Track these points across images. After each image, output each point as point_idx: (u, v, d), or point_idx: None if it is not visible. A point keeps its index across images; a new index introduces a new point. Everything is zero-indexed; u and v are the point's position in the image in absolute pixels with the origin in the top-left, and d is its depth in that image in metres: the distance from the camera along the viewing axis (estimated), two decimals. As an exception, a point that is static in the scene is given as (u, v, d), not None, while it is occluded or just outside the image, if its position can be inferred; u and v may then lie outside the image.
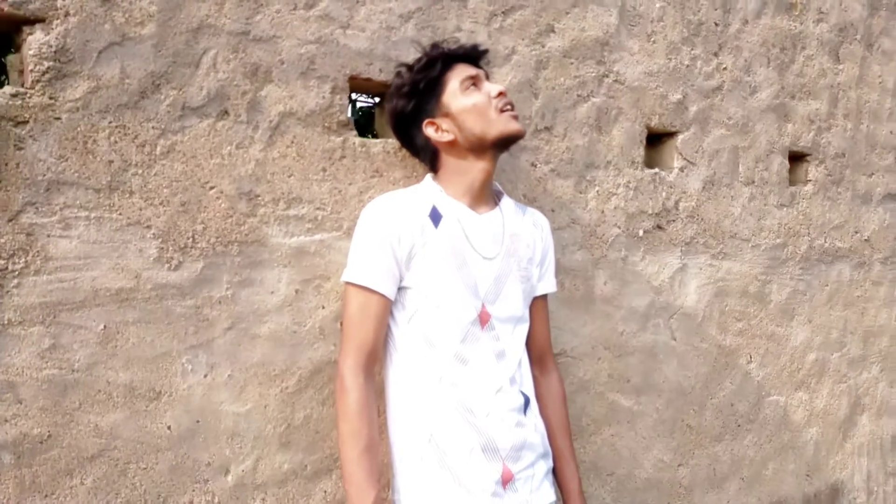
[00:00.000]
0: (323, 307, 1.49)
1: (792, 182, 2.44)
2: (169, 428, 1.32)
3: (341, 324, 1.44)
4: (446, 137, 1.43)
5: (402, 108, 1.45)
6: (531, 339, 1.58)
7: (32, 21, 1.18)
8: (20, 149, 1.17)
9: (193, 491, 1.34)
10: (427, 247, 1.40)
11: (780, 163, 2.37)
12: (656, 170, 2.07)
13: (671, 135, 2.12)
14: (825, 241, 2.51)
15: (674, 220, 2.10)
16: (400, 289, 1.42)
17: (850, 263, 2.60)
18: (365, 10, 1.53)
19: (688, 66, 2.12)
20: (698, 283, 2.16)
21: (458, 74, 1.44)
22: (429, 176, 1.51)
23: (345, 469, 1.33)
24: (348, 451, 1.32)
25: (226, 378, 1.38)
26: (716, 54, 2.19)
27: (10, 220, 1.17)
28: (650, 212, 2.04)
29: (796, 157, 2.46)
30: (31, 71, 1.18)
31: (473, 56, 1.48)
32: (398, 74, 1.49)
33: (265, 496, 1.42)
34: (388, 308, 1.40)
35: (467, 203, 1.47)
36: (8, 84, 1.19)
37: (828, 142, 2.51)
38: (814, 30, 2.45)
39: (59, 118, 1.21)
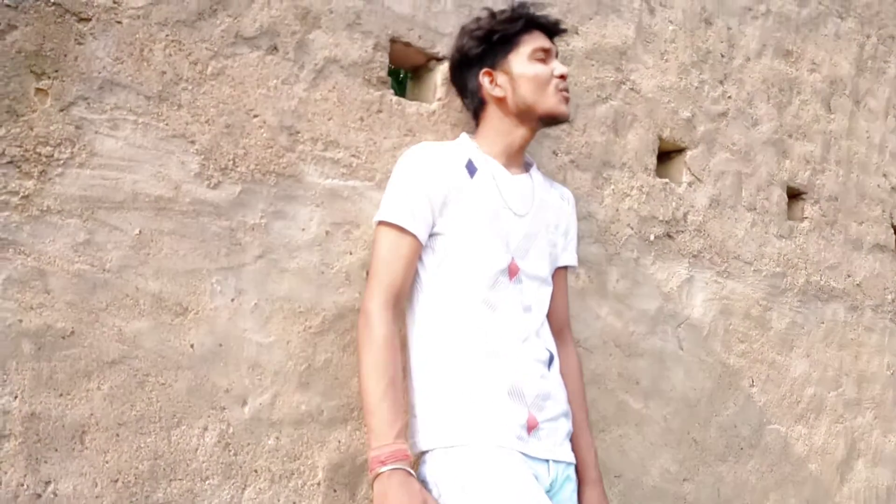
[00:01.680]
0: (350, 253, 1.48)
1: (790, 216, 2.52)
2: (192, 346, 1.28)
3: (367, 272, 1.43)
4: (498, 93, 1.47)
5: (468, 49, 1.49)
6: (551, 310, 1.58)
7: (106, -70, 1.23)
8: (80, 44, 1.19)
9: (209, 417, 1.29)
10: (462, 195, 1.42)
11: (779, 195, 2.46)
12: (666, 180, 2.14)
13: (680, 151, 2.20)
14: (821, 279, 2.57)
15: (682, 231, 2.15)
16: (431, 235, 1.42)
17: (843, 305, 2.65)
18: (409, -21, 1.60)
19: (696, 87, 2.23)
20: (704, 296, 2.19)
21: (533, 41, 1.48)
22: (464, 134, 1.54)
23: (368, 402, 1.28)
24: (373, 384, 1.28)
25: (252, 306, 1.35)
26: (721, 82, 2.31)
27: (61, 110, 1.18)
28: (661, 218, 2.09)
29: (794, 194, 2.54)
30: (99, -25, 1.22)
31: (553, 30, 1.53)
32: (476, 19, 1.53)
33: (279, 435, 1.36)
34: (418, 251, 1.40)
35: (502, 162, 1.51)
36: (76, -16, 1.22)
37: (822, 184, 2.61)
38: (808, 77, 2.60)
39: (120, 22, 1.23)
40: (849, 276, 2.70)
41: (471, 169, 1.46)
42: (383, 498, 1.20)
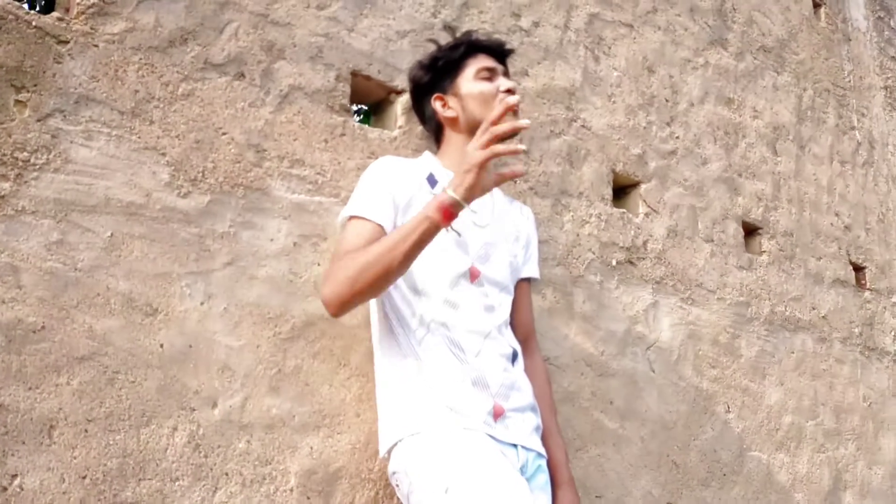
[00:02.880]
0: (318, 264, 1.54)
1: (749, 249, 2.61)
2: (161, 346, 1.31)
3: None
4: (449, 114, 1.58)
5: (419, 79, 1.61)
6: (516, 319, 1.63)
7: (83, -32, 1.36)
8: (58, 62, 1.29)
9: (179, 417, 1.30)
10: (422, 202, 1.49)
11: (735, 228, 2.56)
12: (624, 210, 2.24)
13: (635, 185, 2.32)
14: (786, 310, 2.64)
15: (643, 259, 2.23)
16: None
17: (811, 336, 2.71)
18: (367, 21, 1.75)
19: (644, 127, 2.37)
20: (671, 321, 2.24)
21: (478, 63, 1.59)
22: (427, 152, 1.64)
23: (399, 245, 1.28)
24: (379, 247, 1.29)
25: (221, 310, 1.39)
26: (668, 124, 2.46)
27: (38, 120, 1.26)
28: (621, 244, 2.17)
29: (749, 230, 2.65)
30: (78, 4, 1.33)
31: (498, 52, 1.65)
32: (429, 53, 1.65)
33: (250, 438, 1.37)
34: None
35: (461, 177, 1.59)
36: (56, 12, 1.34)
37: (776, 220, 2.73)
38: (751, 123, 2.78)
39: (96, 45, 1.34)
40: (813, 309, 2.77)
41: (431, 181, 1.54)
42: (459, 178, 1.25)
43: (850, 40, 3.52)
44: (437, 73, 1.59)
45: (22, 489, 1.13)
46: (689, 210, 2.41)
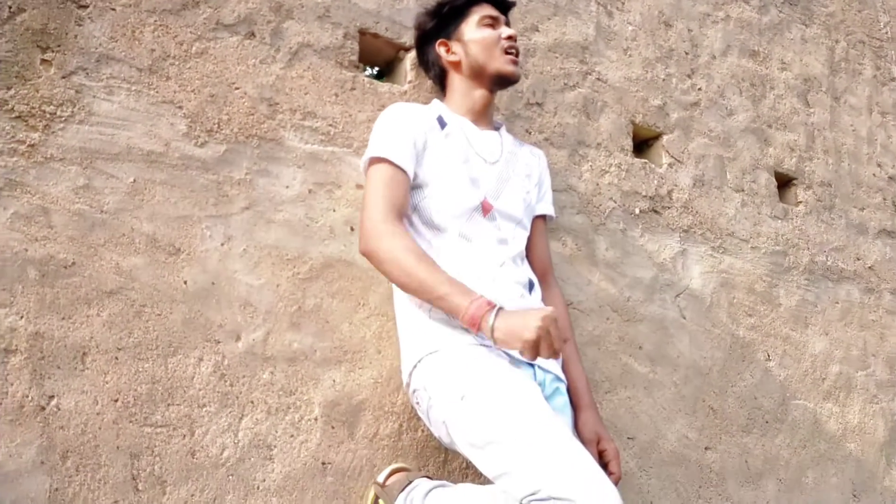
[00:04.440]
0: (334, 210, 1.60)
1: (783, 200, 2.57)
2: (185, 283, 1.38)
3: (360, 214, 1.50)
4: (453, 58, 1.63)
5: (424, 25, 1.68)
6: (532, 257, 1.65)
7: (101, -61, 1.46)
8: (80, 25, 1.39)
9: (204, 348, 1.37)
10: (435, 143, 1.54)
11: (767, 178, 2.52)
12: (645, 160, 2.23)
13: (657, 137, 2.31)
14: (827, 259, 2.58)
15: (668, 208, 2.22)
16: (412, 187, 1.52)
17: (858, 287, 2.63)
18: (372, -18, 1.82)
19: (664, 80, 2.37)
20: (701, 269, 2.22)
21: (482, 11, 1.64)
22: (435, 100, 1.69)
23: (432, 291, 1.29)
24: (426, 276, 1.29)
25: (241, 251, 1.46)
26: (689, 76, 2.45)
27: (63, 77, 1.36)
28: (644, 194, 2.17)
29: (783, 180, 2.60)
30: (96, -27, 1.44)
31: (501, 3, 1.69)
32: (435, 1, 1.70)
33: (274, 370, 1.43)
34: (409, 185, 1.47)
35: (470, 119, 1.64)
36: (75, -19, 1.44)
37: (812, 170, 2.67)
38: (779, 75, 2.73)
39: (114, 9, 1.44)
40: (858, 259, 2.70)
41: (441, 123, 1.58)
42: (517, 324, 1.21)
43: (885, -9, 3.43)
44: (442, 19, 1.65)
45: (59, 409, 1.22)
46: (717, 160, 2.39)
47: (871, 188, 2.85)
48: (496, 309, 1.24)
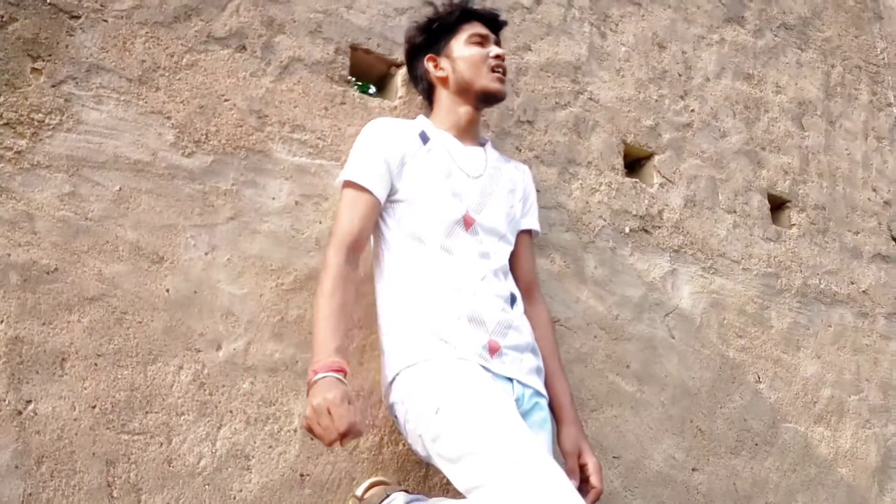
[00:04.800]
0: (320, 222, 1.61)
1: (776, 222, 2.57)
2: (167, 291, 1.39)
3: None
4: (440, 74, 1.65)
5: (413, 39, 1.70)
6: (517, 271, 1.66)
7: (96, -47, 1.49)
8: (71, 35, 1.42)
9: (184, 356, 1.37)
10: (416, 159, 1.56)
11: (759, 200, 2.53)
12: (636, 179, 2.24)
13: (648, 157, 2.32)
14: (820, 283, 2.57)
15: (659, 227, 2.22)
16: (392, 201, 1.54)
17: (851, 310, 2.63)
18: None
19: (656, 100, 2.38)
20: (691, 289, 2.22)
21: (471, 28, 1.67)
22: (420, 115, 1.70)
23: (314, 326, 1.34)
24: (319, 310, 1.35)
25: (225, 261, 1.47)
26: (682, 98, 2.47)
27: (52, 86, 1.38)
28: (634, 213, 2.18)
29: (776, 203, 2.61)
30: (89, -15, 1.46)
31: (491, 21, 1.72)
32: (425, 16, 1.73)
33: (254, 380, 1.43)
34: (376, 207, 1.51)
35: (454, 135, 1.65)
36: (69, -8, 1.47)
37: (806, 193, 2.68)
38: (774, 98, 2.75)
39: (105, 20, 1.46)
40: (852, 283, 2.69)
41: (424, 138, 1.60)
42: (310, 398, 1.23)
43: (882, 18, 3.45)
44: (432, 35, 1.67)
45: (36, 414, 1.22)
46: (709, 181, 2.40)
47: (865, 212, 2.85)
48: (323, 376, 1.25)
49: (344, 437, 1.19)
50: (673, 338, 2.12)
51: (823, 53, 2.98)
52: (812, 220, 2.64)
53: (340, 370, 1.27)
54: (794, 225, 2.59)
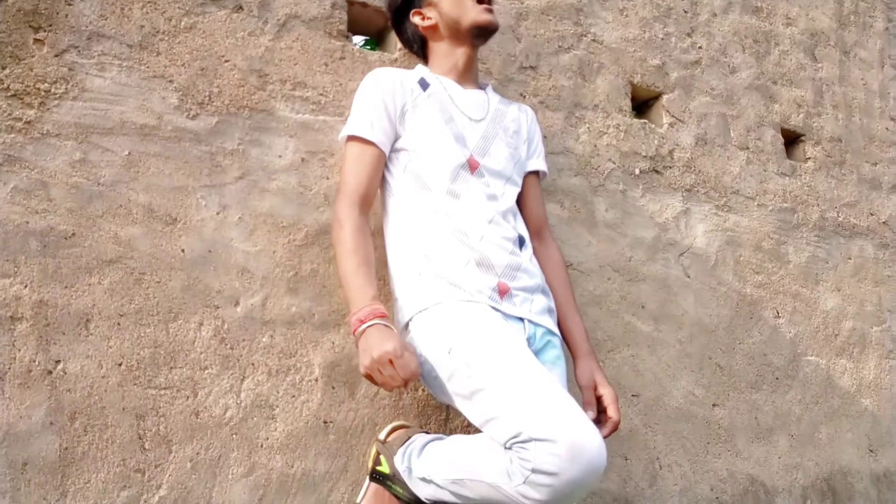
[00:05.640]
0: (327, 178, 1.63)
1: (791, 156, 2.54)
2: (182, 251, 1.42)
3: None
4: (428, 24, 1.64)
5: (394, 2, 1.68)
6: (526, 213, 1.66)
7: (88, -79, 1.50)
8: (69, 4, 1.43)
9: (203, 313, 1.41)
10: (417, 106, 1.56)
11: (772, 135, 2.50)
12: (645, 120, 2.22)
13: (656, 97, 2.30)
14: (838, 215, 2.55)
15: (670, 167, 2.21)
16: (395, 150, 1.55)
17: (871, 242, 2.60)
18: (360, -47, 1.83)
19: (662, 39, 2.35)
20: (705, 228, 2.21)
21: None
22: (419, 65, 1.70)
23: (344, 281, 1.38)
24: (346, 265, 1.38)
25: (236, 219, 1.49)
26: (689, 35, 2.43)
27: (55, 56, 1.40)
28: (644, 154, 2.16)
29: (790, 137, 2.57)
30: (84, -46, 1.47)
31: None
32: None
33: (273, 333, 1.47)
34: (381, 159, 1.52)
35: (453, 79, 1.65)
36: (65, -37, 1.48)
37: (820, 126, 2.64)
38: (784, 31, 2.69)
39: (103, -12, 1.48)
40: (871, 215, 2.66)
41: (423, 84, 1.60)
42: (366, 348, 1.27)
43: (896, -58, 3.35)
44: None
45: (65, 373, 1.27)
46: (719, 118, 2.37)
47: (883, 142, 2.81)
48: (370, 324, 1.29)
49: (407, 383, 1.24)
50: (688, 277, 2.13)
51: (835, -18, 2.91)
52: (828, 152, 2.60)
53: (384, 315, 1.30)
54: (809, 159, 2.56)
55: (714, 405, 2.05)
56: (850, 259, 2.51)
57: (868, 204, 2.66)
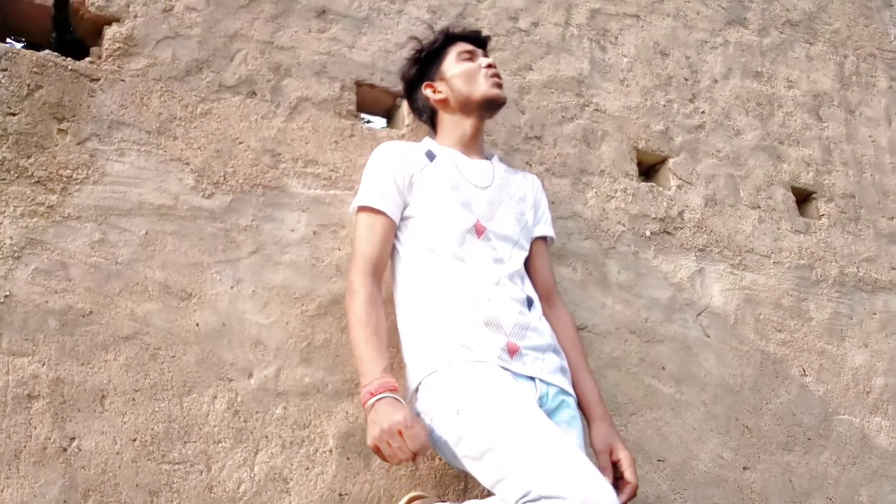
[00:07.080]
0: (339, 249, 1.66)
1: (804, 214, 2.54)
2: (197, 325, 1.45)
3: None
4: (439, 97, 1.71)
5: (407, 73, 1.77)
6: (535, 278, 1.68)
7: (111, 21, 1.61)
8: (92, 96, 1.52)
9: (217, 386, 1.42)
10: (424, 175, 1.61)
11: (783, 193, 2.51)
12: (653, 184, 2.26)
13: (662, 161, 2.34)
14: (858, 270, 2.52)
15: (681, 228, 2.22)
16: (404, 218, 1.59)
17: (895, 296, 2.56)
18: (366, 38, 1.93)
19: (665, 105, 2.41)
20: (722, 287, 2.20)
21: (458, 47, 1.73)
22: (427, 137, 1.76)
23: (356, 352, 1.39)
24: (358, 335, 1.40)
25: (250, 292, 1.53)
26: (691, 101, 2.49)
27: (78, 143, 1.48)
28: (654, 216, 2.18)
29: (802, 195, 2.58)
30: (105, 49, 1.57)
31: (475, 39, 1.78)
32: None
33: (287, 405, 1.47)
34: (392, 228, 1.56)
35: (460, 150, 1.70)
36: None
37: (832, 183, 2.65)
38: (786, 93, 2.75)
39: (122, 80, 1.57)
40: (893, 269, 2.63)
41: (430, 156, 1.65)
42: (375, 420, 1.27)
43: (891, 5, 3.44)
44: (423, 64, 1.74)
45: (80, 450, 1.28)
46: (728, 179, 2.40)
47: (898, 197, 2.80)
48: (380, 397, 1.29)
49: (416, 455, 1.23)
50: (708, 336, 2.10)
51: (833, 45, 2.97)
52: (842, 209, 2.60)
53: (394, 389, 1.31)
54: (822, 215, 2.56)
55: (745, 468, 1.98)
56: (874, 314, 2.46)
57: (889, 258, 2.63)
